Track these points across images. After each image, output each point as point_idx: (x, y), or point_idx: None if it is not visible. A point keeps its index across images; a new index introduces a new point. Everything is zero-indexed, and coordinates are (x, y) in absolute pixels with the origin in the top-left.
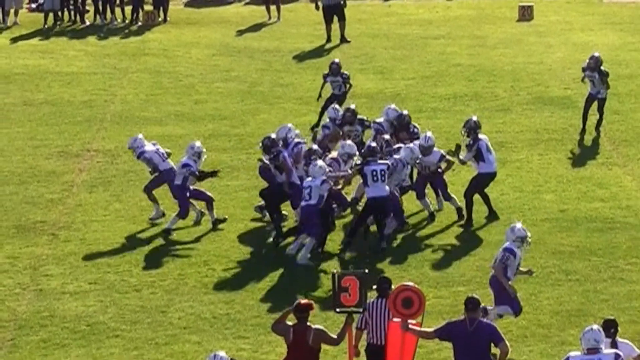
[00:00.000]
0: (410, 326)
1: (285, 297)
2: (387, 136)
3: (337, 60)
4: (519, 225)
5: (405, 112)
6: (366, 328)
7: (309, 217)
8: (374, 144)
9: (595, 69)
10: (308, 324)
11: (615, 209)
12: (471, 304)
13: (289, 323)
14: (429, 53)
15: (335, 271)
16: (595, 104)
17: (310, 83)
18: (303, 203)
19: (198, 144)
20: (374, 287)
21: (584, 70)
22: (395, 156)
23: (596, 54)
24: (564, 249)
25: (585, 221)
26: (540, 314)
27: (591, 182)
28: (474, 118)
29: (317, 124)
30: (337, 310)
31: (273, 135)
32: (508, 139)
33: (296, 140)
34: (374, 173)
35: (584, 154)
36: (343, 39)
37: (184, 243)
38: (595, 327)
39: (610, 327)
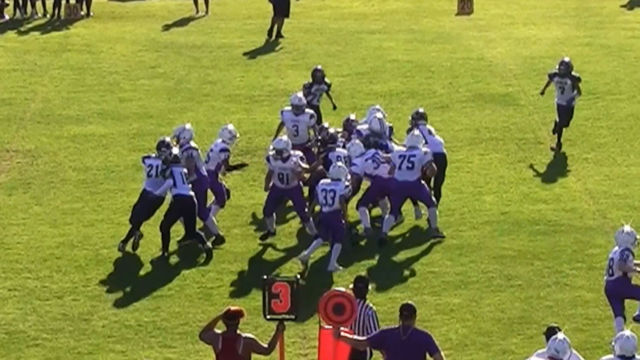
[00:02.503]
0: (342, 334)
1: (213, 304)
2: (331, 130)
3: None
4: (627, 227)
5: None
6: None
7: (332, 223)
8: (332, 130)
9: (566, 74)
10: (238, 332)
11: (560, 211)
12: (406, 311)
13: (218, 331)
14: (364, 48)
15: (265, 277)
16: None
17: (240, 80)
18: (325, 209)
19: (232, 126)
20: (350, 286)
21: (551, 76)
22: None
23: (566, 59)
24: (505, 253)
25: (527, 224)
26: (481, 322)
27: (534, 183)
28: (420, 110)
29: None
30: (268, 317)
31: (167, 139)
32: (447, 138)
33: (190, 144)
34: (339, 159)
35: (526, 154)
36: (279, 35)
37: (107, 248)
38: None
39: (553, 335)
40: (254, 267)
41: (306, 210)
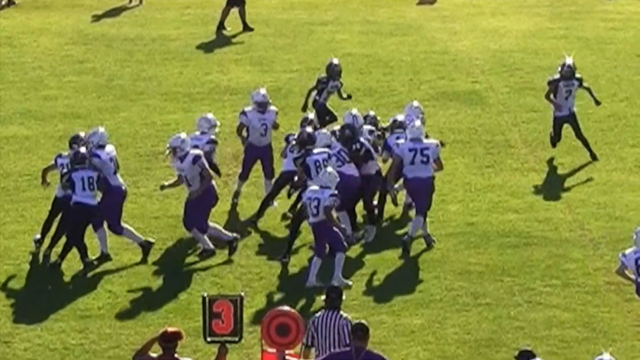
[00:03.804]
0: (287, 357)
1: (148, 325)
2: (309, 129)
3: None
4: None
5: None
6: (313, 346)
7: (324, 233)
8: (310, 129)
9: (572, 77)
10: (176, 355)
11: (532, 222)
12: (359, 332)
13: (154, 355)
14: (315, 41)
15: (205, 294)
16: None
17: (178, 76)
18: (312, 220)
19: (210, 115)
20: (322, 298)
21: (553, 82)
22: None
23: (568, 60)
24: (472, 269)
25: (497, 236)
26: (445, 344)
27: (504, 190)
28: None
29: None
30: (208, 339)
31: (82, 134)
32: None
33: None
34: (317, 164)
35: (495, 159)
36: (246, 27)
37: (30, 262)
38: None
39: (526, 359)
40: (193, 283)
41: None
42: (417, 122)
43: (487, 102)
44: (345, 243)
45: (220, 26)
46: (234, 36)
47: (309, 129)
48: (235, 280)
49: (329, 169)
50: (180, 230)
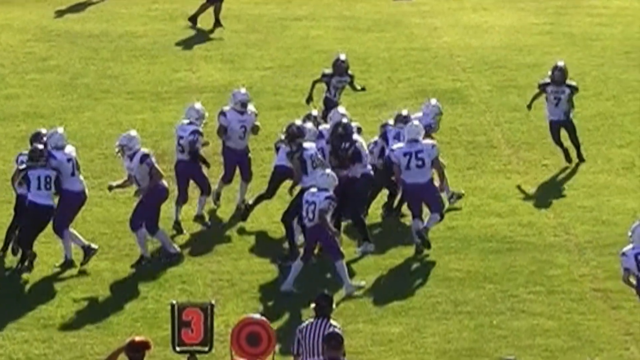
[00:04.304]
0: None
1: (114, 334)
2: (298, 122)
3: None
4: None
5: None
6: (300, 355)
7: (320, 239)
8: (298, 122)
9: (562, 82)
10: None
11: (515, 226)
12: (334, 341)
13: None
14: (288, 37)
15: (174, 302)
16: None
17: (145, 74)
18: (307, 224)
19: (199, 105)
20: (312, 305)
21: (542, 86)
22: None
23: (560, 63)
24: (452, 275)
25: (478, 241)
26: (424, 354)
27: (485, 193)
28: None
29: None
30: (177, 349)
31: (43, 131)
32: None
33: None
34: (312, 158)
35: (477, 160)
36: (218, 23)
37: None
38: None
39: None
40: (162, 290)
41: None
42: (416, 122)
43: (469, 101)
44: (341, 249)
45: (194, 20)
46: (204, 32)
47: (298, 122)
48: (206, 287)
49: (328, 170)
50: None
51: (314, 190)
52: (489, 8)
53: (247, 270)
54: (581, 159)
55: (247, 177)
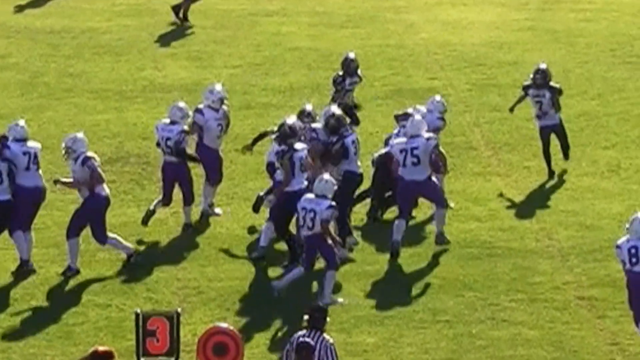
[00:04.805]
0: None
1: (76, 344)
2: (290, 121)
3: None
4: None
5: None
6: None
7: (319, 249)
8: (290, 121)
9: (544, 85)
10: None
11: (495, 231)
12: (304, 351)
13: None
14: (258, 34)
15: (139, 310)
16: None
17: (109, 72)
18: (304, 232)
19: (183, 103)
20: (305, 317)
21: (525, 88)
22: None
23: (542, 66)
24: (430, 282)
25: (457, 247)
26: None
27: (464, 196)
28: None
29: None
30: (142, 359)
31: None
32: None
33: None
34: (302, 161)
35: (455, 162)
36: (185, 17)
37: None
38: None
39: None
40: (126, 298)
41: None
42: (417, 116)
43: (447, 100)
44: (338, 260)
45: (180, 15)
46: (170, 29)
47: (291, 121)
48: (172, 295)
49: (326, 176)
50: None
51: (310, 196)
52: (468, 3)
53: (214, 277)
54: (566, 157)
55: (217, 179)
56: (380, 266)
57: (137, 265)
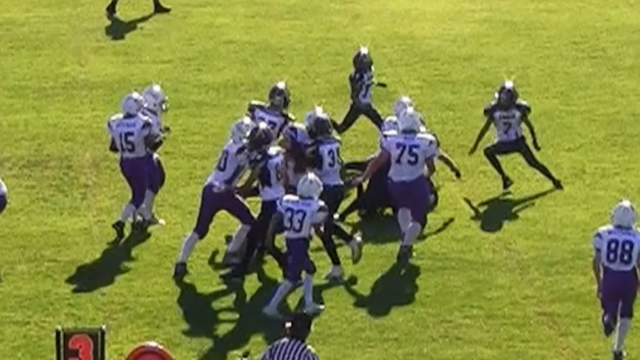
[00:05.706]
0: None
1: None
2: (263, 125)
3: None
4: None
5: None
6: None
7: (301, 252)
8: (263, 125)
9: (510, 106)
10: None
11: (449, 241)
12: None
13: None
14: (190, 26)
15: (60, 328)
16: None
17: (27, 68)
18: (290, 235)
19: (158, 88)
20: (287, 325)
21: (489, 111)
22: None
23: (507, 84)
24: (377, 297)
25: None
26: None
27: None
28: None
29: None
30: None
31: None
32: None
33: None
34: (278, 168)
35: None
36: (160, 7)
37: None
38: None
39: None
40: (46, 315)
41: None
42: (410, 109)
43: (396, 98)
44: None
45: (160, 8)
46: (94, 20)
47: (264, 125)
48: (96, 311)
49: (311, 176)
50: (30, 251)
51: (294, 198)
52: None
53: (142, 292)
54: (536, 147)
55: (158, 183)
56: (323, 281)
57: (57, 279)
